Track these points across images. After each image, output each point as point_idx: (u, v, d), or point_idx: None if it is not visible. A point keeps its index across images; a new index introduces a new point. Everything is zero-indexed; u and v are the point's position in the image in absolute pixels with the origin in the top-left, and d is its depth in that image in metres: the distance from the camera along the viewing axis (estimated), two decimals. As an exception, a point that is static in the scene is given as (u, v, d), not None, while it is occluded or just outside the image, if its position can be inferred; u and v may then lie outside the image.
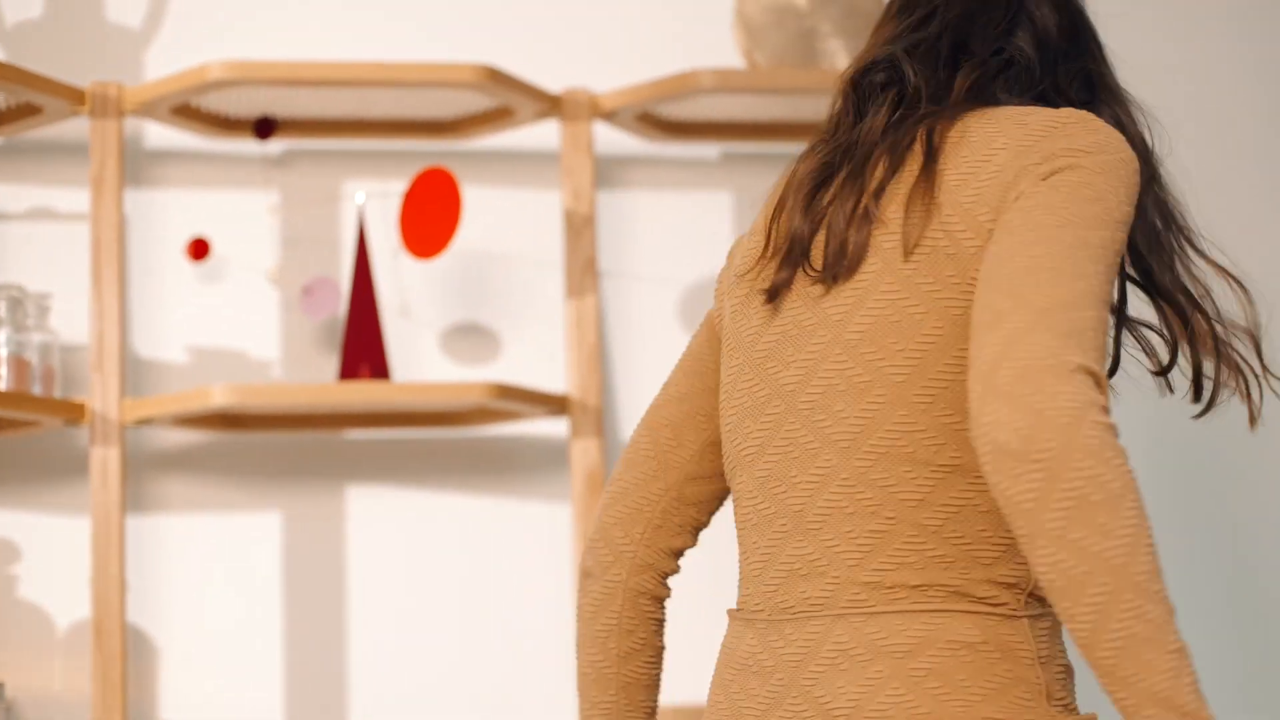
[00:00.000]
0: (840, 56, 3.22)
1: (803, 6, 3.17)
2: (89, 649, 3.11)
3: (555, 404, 3.10)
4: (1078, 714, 1.65)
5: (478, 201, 3.24)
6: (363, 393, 2.95)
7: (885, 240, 1.68)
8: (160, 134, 3.27)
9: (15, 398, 2.88)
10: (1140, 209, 1.76)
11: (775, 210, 1.81)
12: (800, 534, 1.68)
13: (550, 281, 3.32)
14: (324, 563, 3.24)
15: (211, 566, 3.21)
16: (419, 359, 3.29)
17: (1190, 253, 1.84)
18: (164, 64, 3.27)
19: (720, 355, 1.89)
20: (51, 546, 3.15)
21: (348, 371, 3.05)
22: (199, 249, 3.11)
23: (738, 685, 1.71)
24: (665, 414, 1.90)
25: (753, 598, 1.74)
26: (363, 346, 3.05)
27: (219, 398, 2.90)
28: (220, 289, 3.26)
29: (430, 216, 3.01)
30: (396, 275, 3.28)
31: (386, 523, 3.26)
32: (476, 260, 3.32)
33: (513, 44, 3.34)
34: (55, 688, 3.12)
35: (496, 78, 3.02)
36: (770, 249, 1.79)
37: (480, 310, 3.33)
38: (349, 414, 3.16)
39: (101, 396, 2.99)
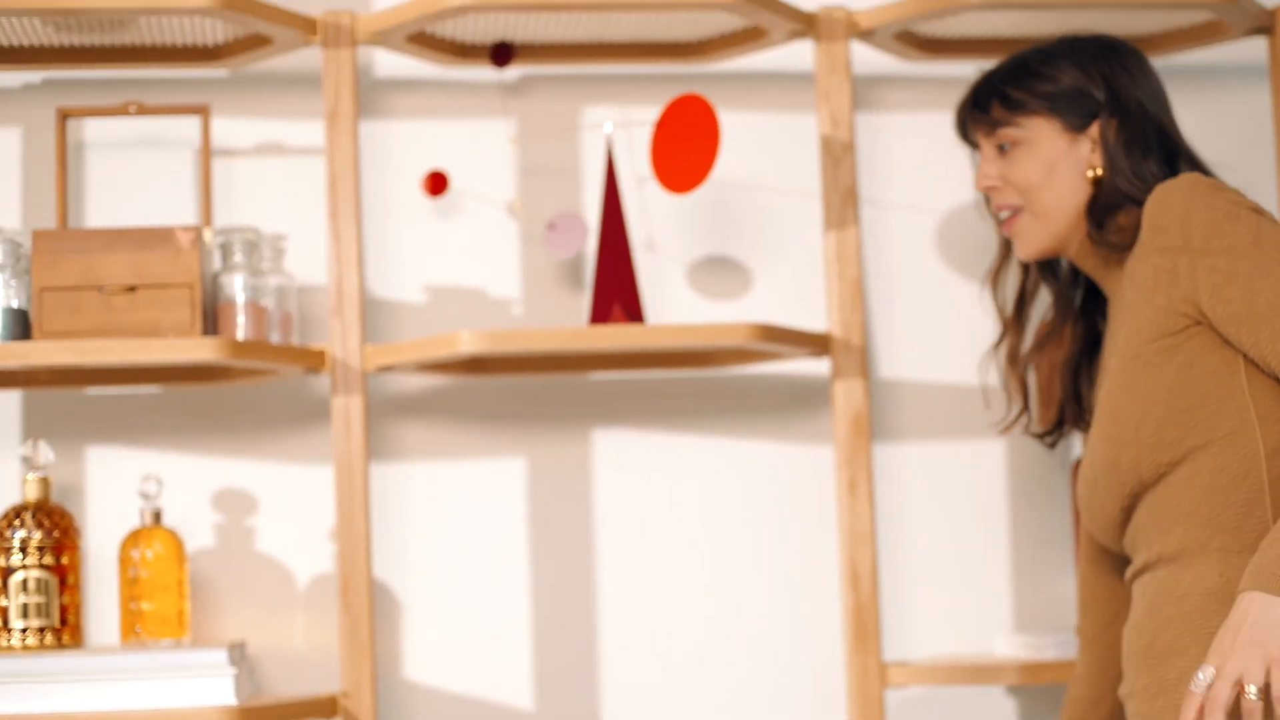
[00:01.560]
0: (1113, -36, 3.00)
1: (1077, -89, 2.95)
2: (331, 604, 3.00)
3: (817, 343, 2.92)
4: None
5: (727, 127, 3.05)
6: (617, 336, 2.79)
7: None
8: (390, 63, 3.12)
9: (254, 347, 2.75)
10: None
11: None
12: None
13: (806, 211, 3.14)
14: (571, 510, 3.10)
15: (454, 516, 3.08)
16: (665, 295, 3.12)
17: None
18: (391, -12, 3.12)
19: None
20: (289, 497, 3.04)
21: (599, 313, 2.88)
22: (437, 183, 2.95)
23: None
24: None
25: None
26: (614, 286, 2.88)
27: (467, 344, 2.75)
28: (457, 224, 3.11)
29: (685, 147, 2.82)
30: (641, 206, 3.11)
31: (635, 468, 3.11)
32: (726, 189, 3.14)
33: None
34: (297, 645, 3.00)
35: (751, -4, 2.83)
36: None
37: (730, 243, 3.16)
38: (597, 355, 3.00)
39: (342, 343, 2.85)
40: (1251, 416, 2.18)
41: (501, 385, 3.09)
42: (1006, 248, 2.66)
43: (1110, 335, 2.44)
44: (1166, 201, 2.24)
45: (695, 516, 3.12)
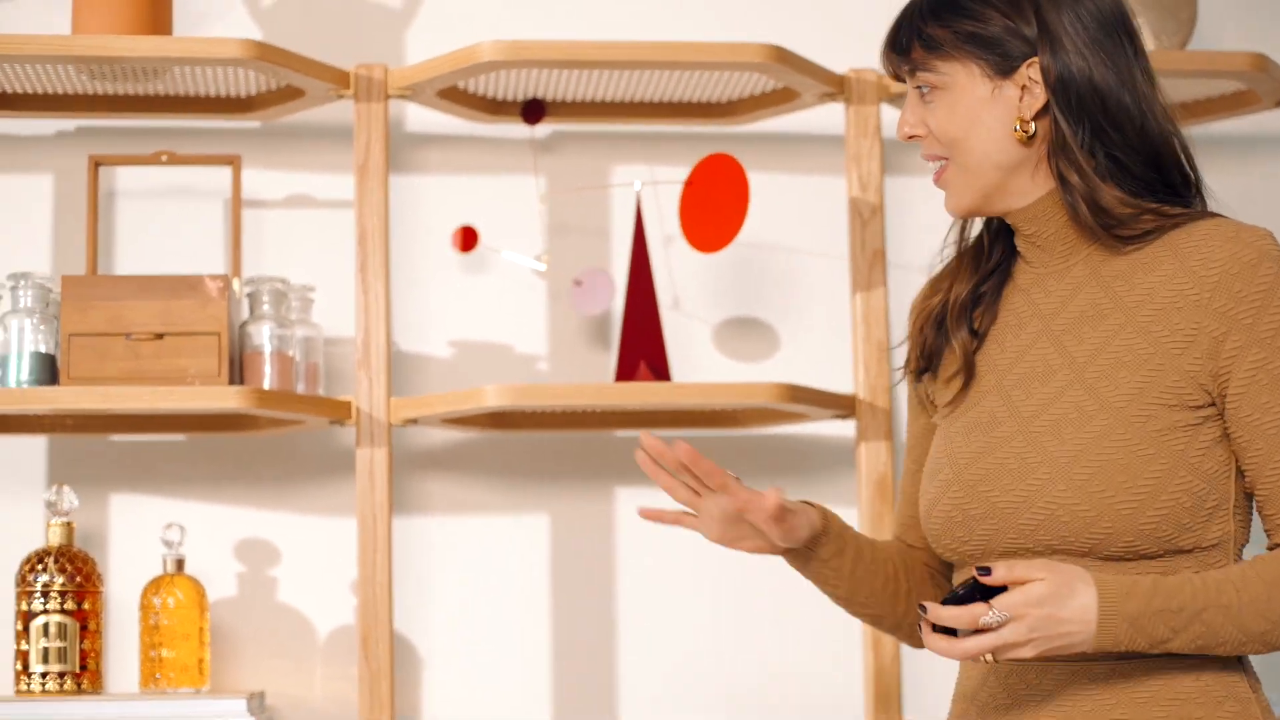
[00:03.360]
0: (1144, 34, 3.00)
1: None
2: (351, 656, 2.99)
3: (843, 405, 2.91)
4: None
5: (756, 188, 3.06)
6: (643, 394, 2.79)
7: None
8: (422, 117, 3.13)
9: (280, 397, 2.76)
10: None
11: None
12: None
13: (833, 273, 3.14)
14: (593, 568, 3.09)
15: (477, 570, 3.07)
16: (691, 354, 3.12)
17: None
18: (424, 46, 3.13)
19: None
20: (312, 548, 3.03)
21: (625, 370, 2.88)
22: (468, 239, 2.96)
23: None
24: None
25: None
26: (641, 344, 2.89)
27: (493, 398, 2.76)
28: (485, 279, 3.12)
29: (714, 207, 2.83)
30: (669, 265, 3.11)
31: (659, 527, 3.09)
32: (754, 250, 3.15)
33: (789, 24, 3.17)
34: (316, 696, 3.00)
35: (783, 57, 2.84)
36: None
37: (757, 303, 3.16)
38: (622, 412, 3.00)
39: (368, 395, 2.85)
40: (1231, 529, 1.98)
41: (526, 441, 3.09)
42: None
43: (1030, 310, 2.10)
44: (1257, 269, 1.95)
45: (717, 576, 3.11)
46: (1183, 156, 2.06)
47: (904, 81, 2.11)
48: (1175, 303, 1.97)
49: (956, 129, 2.04)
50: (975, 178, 2.05)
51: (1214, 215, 2.02)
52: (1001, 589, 1.88)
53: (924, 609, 1.89)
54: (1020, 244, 2.12)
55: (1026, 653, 1.88)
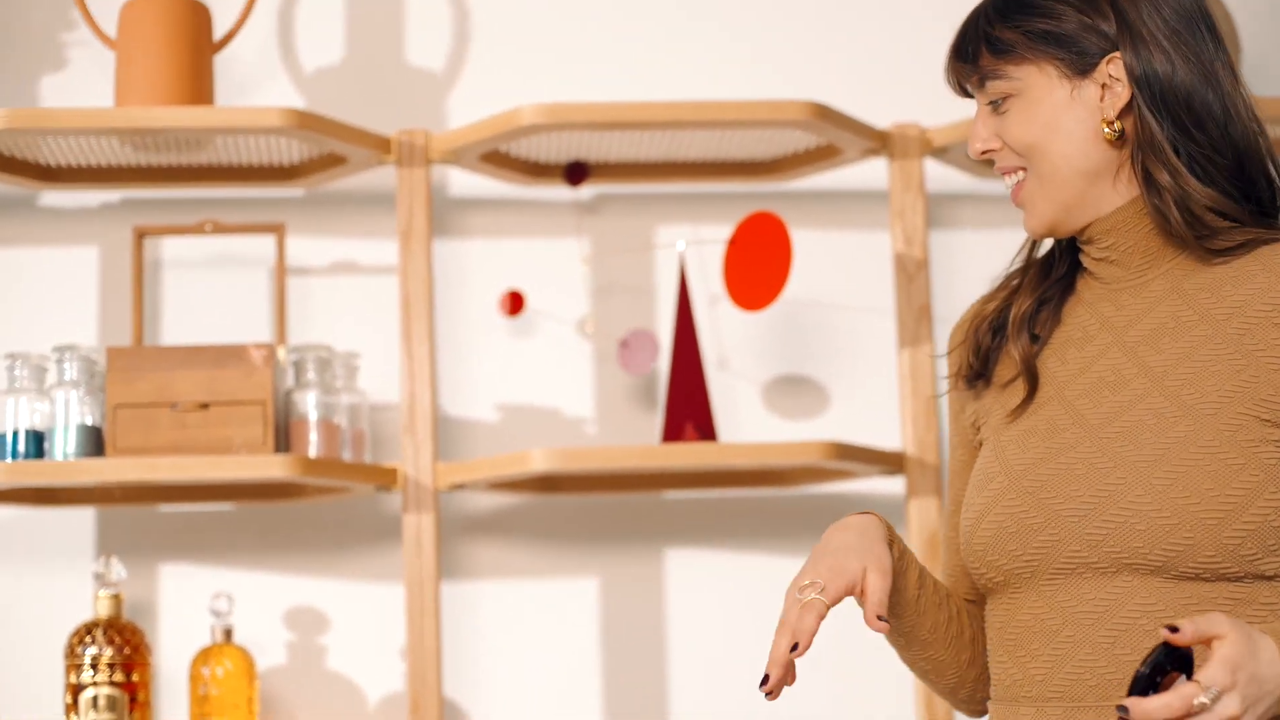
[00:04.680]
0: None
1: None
2: (402, 723, 2.98)
3: (891, 462, 2.90)
4: None
5: (799, 245, 3.05)
6: (690, 455, 2.77)
7: None
8: (464, 182, 3.13)
9: (326, 464, 2.75)
10: None
11: None
12: None
13: (879, 329, 3.12)
14: (644, 631, 3.07)
15: (526, 635, 3.06)
16: (738, 413, 3.11)
17: None
18: (465, 110, 3.13)
19: None
20: (360, 615, 3.03)
21: (672, 431, 2.87)
22: (514, 303, 2.96)
23: None
24: None
25: None
26: (687, 404, 2.88)
27: (540, 462, 2.75)
28: (530, 343, 3.11)
29: (758, 265, 2.82)
30: (714, 324, 3.10)
31: (709, 587, 3.09)
32: (799, 307, 3.13)
33: (830, 80, 3.16)
34: (368, 764, 2.99)
35: (824, 114, 2.83)
36: None
37: (803, 361, 3.14)
38: (670, 474, 2.99)
39: (414, 461, 2.85)
40: None
41: (574, 504, 3.07)
42: None
43: (1098, 324, 1.96)
44: None
45: (769, 637, 3.08)
46: (1268, 159, 1.94)
47: (970, 96, 2.00)
48: (1272, 317, 1.85)
49: (1035, 135, 1.92)
50: (1057, 188, 1.93)
51: None
52: (1188, 655, 1.66)
53: (1124, 710, 1.62)
54: (1090, 262, 1.99)
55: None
